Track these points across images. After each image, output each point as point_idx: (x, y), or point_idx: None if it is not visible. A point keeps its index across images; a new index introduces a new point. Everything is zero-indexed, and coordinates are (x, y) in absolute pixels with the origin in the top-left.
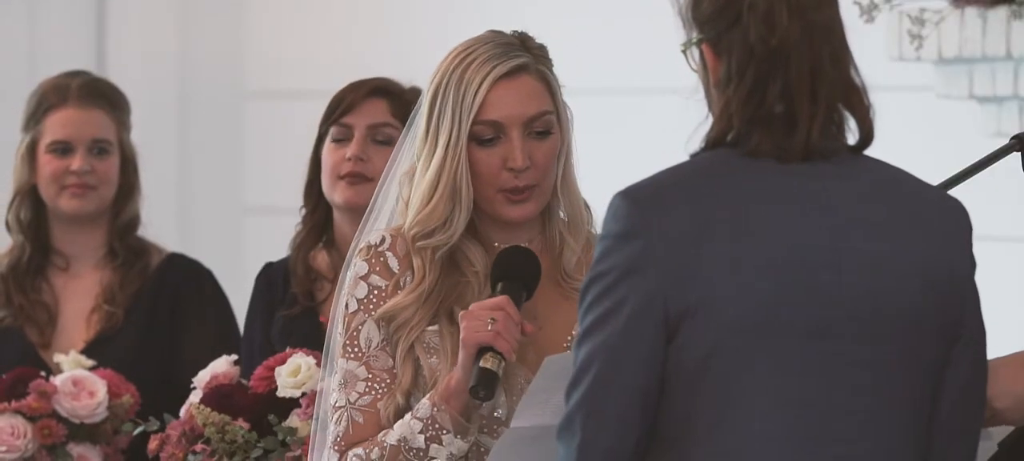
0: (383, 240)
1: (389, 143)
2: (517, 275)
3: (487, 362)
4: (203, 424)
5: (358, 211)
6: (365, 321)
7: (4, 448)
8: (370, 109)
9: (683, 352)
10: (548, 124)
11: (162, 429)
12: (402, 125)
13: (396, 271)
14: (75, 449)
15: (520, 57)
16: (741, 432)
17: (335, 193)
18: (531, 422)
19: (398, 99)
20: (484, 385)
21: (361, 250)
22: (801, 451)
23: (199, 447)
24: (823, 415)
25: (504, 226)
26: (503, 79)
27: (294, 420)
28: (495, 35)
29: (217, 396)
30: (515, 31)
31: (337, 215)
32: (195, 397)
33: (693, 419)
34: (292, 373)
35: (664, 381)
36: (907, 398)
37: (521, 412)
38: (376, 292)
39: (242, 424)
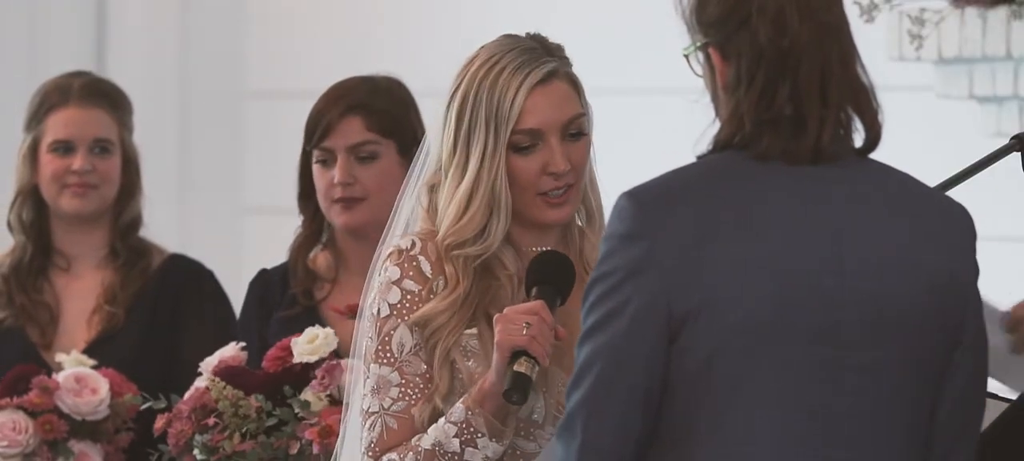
0: (413, 244)
1: (372, 159)
2: (552, 280)
3: (521, 366)
4: (217, 398)
5: (355, 232)
6: (398, 326)
7: (5, 443)
8: (347, 129)
9: (686, 354)
10: (581, 126)
11: (169, 408)
12: (380, 137)
13: (429, 276)
14: (76, 446)
15: (549, 62)
16: (743, 434)
17: (331, 216)
18: None
19: (372, 111)
20: (518, 389)
21: (391, 255)
22: (802, 453)
23: (211, 420)
24: (825, 418)
25: (531, 229)
26: (538, 86)
27: (308, 394)
28: (513, 40)
29: (228, 374)
30: (528, 33)
31: (336, 229)
32: (202, 381)
33: (695, 421)
34: (309, 341)
35: (666, 382)
36: (908, 401)
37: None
38: (409, 297)
39: (253, 402)
